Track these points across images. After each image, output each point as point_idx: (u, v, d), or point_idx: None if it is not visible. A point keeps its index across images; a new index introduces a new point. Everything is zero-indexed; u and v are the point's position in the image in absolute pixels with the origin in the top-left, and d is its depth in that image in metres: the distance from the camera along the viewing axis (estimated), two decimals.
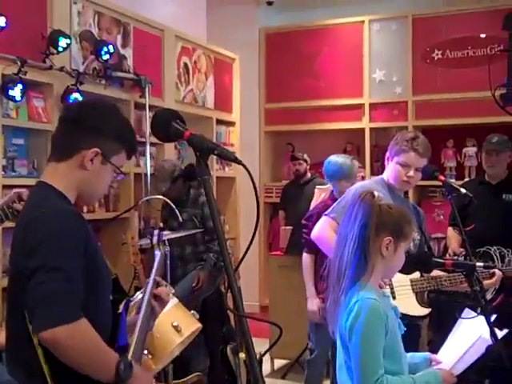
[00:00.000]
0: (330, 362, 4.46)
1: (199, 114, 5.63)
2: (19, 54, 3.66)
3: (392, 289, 2.80)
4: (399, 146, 2.94)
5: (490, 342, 2.21)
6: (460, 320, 2.33)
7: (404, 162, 2.93)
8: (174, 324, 2.50)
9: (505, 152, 4.14)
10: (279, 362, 5.19)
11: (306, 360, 4.19)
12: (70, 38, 3.93)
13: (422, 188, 6.46)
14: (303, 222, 4.03)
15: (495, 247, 3.85)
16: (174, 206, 3.78)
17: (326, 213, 3.04)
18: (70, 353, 1.59)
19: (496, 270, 2.99)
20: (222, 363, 3.94)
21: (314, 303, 3.81)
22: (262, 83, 7.36)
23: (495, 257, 3.87)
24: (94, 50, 4.26)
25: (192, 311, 2.78)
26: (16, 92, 3.58)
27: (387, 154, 3.03)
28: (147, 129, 4.63)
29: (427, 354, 2.33)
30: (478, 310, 2.33)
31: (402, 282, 2.83)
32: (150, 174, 4.63)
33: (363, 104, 6.80)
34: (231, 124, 6.25)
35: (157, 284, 1.98)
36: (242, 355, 3.89)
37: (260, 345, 3.28)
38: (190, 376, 3.71)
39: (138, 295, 2.56)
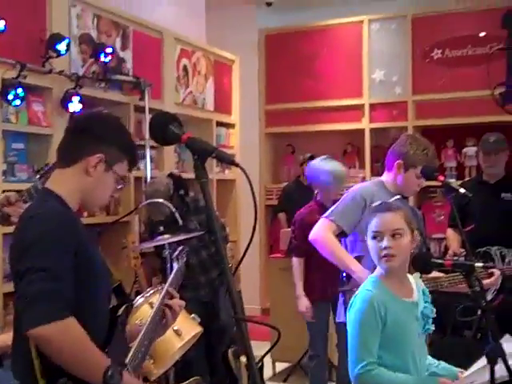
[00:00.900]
0: (333, 365, 4.49)
1: (199, 117, 5.63)
2: (18, 58, 3.67)
3: None
4: (417, 157, 2.93)
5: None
6: None
7: (420, 175, 2.96)
8: (175, 328, 2.49)
9: (503, 151, 4.13)
10: (281, 365, 5.17)
11: (309, 366, 4.19)
12: (69, 42, 3.93)
13: (422, 189, 6.44)
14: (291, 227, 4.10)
15: (496, 247, 3.84)
16: (174, 210, 3.78)
17: (325, 215, 3.01)
18: (55, 351, 1.63)
19: (495, 270, 2.98)
20: (223, 367, 3.94)
21: (302, 304, 3.96)
22: (262, 85, 7.36)
23: (496, 257, 3.87)
24: (94, 53, 4.27)
25: (193, 315, 2.78)
26: (16, 97, 3.58)
27: (399, 161, 2.97)
28: (147, 132, 4.63)
29: (458, 370, 2.33)
30: (479, 311, 2.33)
31: None
32: (152, 178, 4.62)
33: (363, 104, 6.80)
34: (231, 126, 6.25)
35: (170, 296, 2.05)
36: (243, 359, 3.88)
37: (260, 348, 3.27)
38: (190, 380, 3.71)
39: (139, 299, 2.56)
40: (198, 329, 2.59)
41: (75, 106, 3.98)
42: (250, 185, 1.52)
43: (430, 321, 2.30)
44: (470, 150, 6.30)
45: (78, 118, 2.01)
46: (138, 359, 1.86)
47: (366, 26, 6.81)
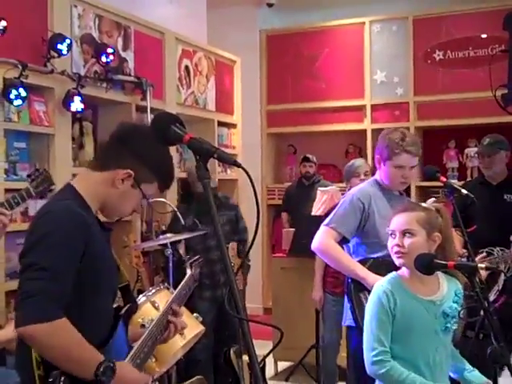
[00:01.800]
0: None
1: (200, 117, 5.64)
2: (20, 57, 3.67)
3: None
4: (390, 149, 2.90)
5: None
6: None
7: (398, 164, 2.89)
8: None
9: (497, 153, 4.11)
10: (283, 364, 5.18)
11: (320, 347, 4.37)
12: (70, 42, 3.93)
13: (424, 189, 6.47)
14: None
15: (498, 248, 3.83)
16: (176, 209, 3.77)
17: (324, 223, 2.95)
18: (44, 350, 1.66)
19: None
20: (226, 366, 3.94)
21: (316, 293, 4.21)
22: (264, 85, 7.37)
23: (499, 257, 3.86)
24: (95, 54, 4.27)
25: (195, 314, 2.77)
26: (17, 96, 3.59)
27: (377, 156, 2.99)
28: None
29: (486, 380, 2.40)
30: (481, 312, 2.33)
31: None
32: None
33: (365, 105, 6.81)
34: (233, 126, 6.25)
35: (174, 312, 2.06)
36: (246, 358, 3.88)
37: (263, 347, 3.28)
38: (193, 379, 3.71)
39: (141, 298, 2.56)
40: (200, 328, 2.58)
41: (77, 105, 3.99)
42: (253, 185, 1.52)
43: (453, 320, 2.34)
44: (472, 151, 6.29)
45: (123, 126, 1.98)
46: (141, 359, 1.87)
47: (368, 27, 6.81)
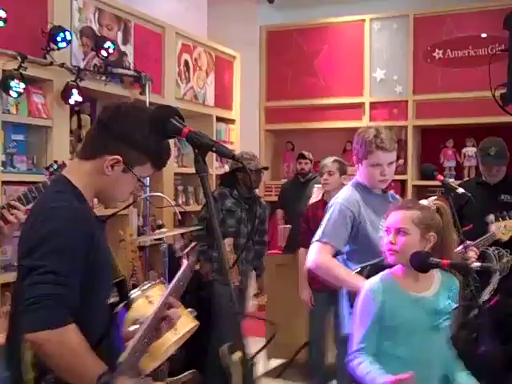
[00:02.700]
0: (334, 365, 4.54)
1: (199, 112, 5.63)
2: (19, 49, 3.66)
3: None
4: (364, 147, 2.83)
5: None
6: None
7: (374, 162, 2.82)
8: None
9: (504, 164, 4.11)
10: (275, 362, 5.18)
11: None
12: (70, 34, 3.92)
13: (421, 188, 6.47)
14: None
15: (493, 247, 3.84)
16: (172, 204, 3.77)
17: (316, 238, 2.83)
18: (50, 357, 1.60)
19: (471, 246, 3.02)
20: (218, 362, 3.94)
21: (305, 293, 4.36)
22: (263, 81, 7.36)
23: (493, 257, 3.87)
24: (95, 47, 4.26)
25: (189, 309, 2.77)
26: (16, 88, 3.58)
27: (354, 157, 2.92)
28: None
29: None
30: (474, 311, 2.34)
31: None
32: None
33: (363, 103, 6.81)
34: (231, 122, 6.25)
35: (169, 305, 1.96)
36: (238, 354, 3.88)
37: (256, 344, 3.27)
38: (185, 373, 3.71)
39: (136, 292, 2.56)
40: (194, 323, 2.57)
41: (75, 98, 3.98)
42: (250, 180, 1.53)
43: (445, 317, 2.34)
44: (470, 151, 6.31)
45: (105, 110, 1.85)
46: (136, 357, 1.82)
47: (368, 24, 6.81)
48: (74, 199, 1.73)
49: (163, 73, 5.14)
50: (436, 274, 2.41)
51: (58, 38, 3.83)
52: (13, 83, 3.55)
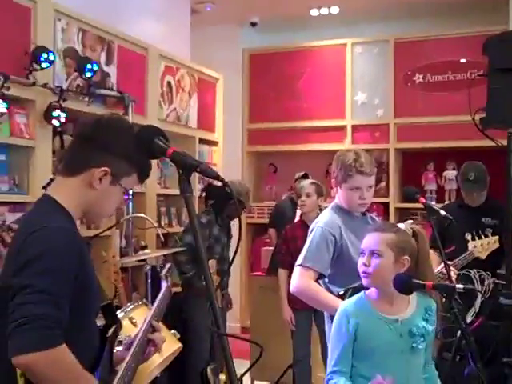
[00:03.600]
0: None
1: (182, 133, 5.63)
2: (2, 69, 3.64)
3: None
4: (344, 171, 2.82)
5: None
6: None
7: (353, 186, 2.82)
8: None
9: (484, 189, 4.17)
10: None
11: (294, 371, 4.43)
12: (53, 55, 3.92)
13: (403, 210, 6.51)
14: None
15: (475, 270, 3.87)
16: (155, 225, 3.75)
17: (298, 263, 2.84)
18: (41, 380, 1.54)
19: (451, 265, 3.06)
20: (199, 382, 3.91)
21: (286, 313, 4.43)
22: (245, 103, 7.40)
23: (475, 280, 3.89)
24: (78, 67, 4.25)
25: (173, 331, 2.75)
26: None
27: (332, 180, 2.92)
28: None
29: None
30: (458, 333, 2.34)
31: None
32: (134, 193, 4.60)
33: (345, 126, 6.86)
34: (214, 144, 6.25)
35: (153, 329, 1.94)
36: (223, 376, 3.85)
37: (240, 366, 3.25)
38: None
39: (119, 313, 2.54)
40: (178, 345, 2.56)
41: (58, 119, 3.96)
42: (234, 201, 1.53)
43: (420, 339, 2.32)
44: (450, 174, 6.37)
45: (85, 124, 1.83)
46: (125, 382, 1.79)
47: (350, 48, 6.89)
48: (64, 219, 1.70)
49: (146, 94, 5.14)
50: (411, 296, 2.39)
51: (42, 59, 3.82)
52: None
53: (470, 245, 3.49)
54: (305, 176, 5.85)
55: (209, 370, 3.85)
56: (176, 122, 5.56)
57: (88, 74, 4.23)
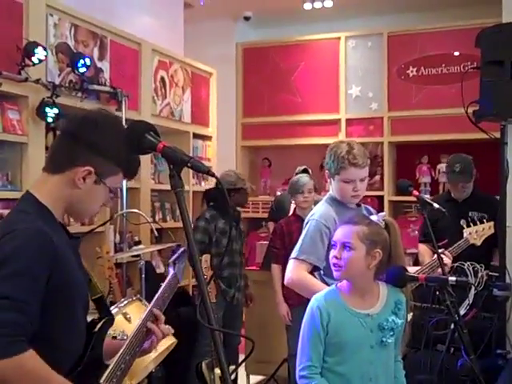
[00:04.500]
0: None
1: (176, 128, 5.63)
2: None
3: None
4: (337, 163, 2.82)
5: None
6: None
7: (347, 178, 2.81)
8: None
9: (469, 181, 4.19)
10: (255, 378, 5.15)
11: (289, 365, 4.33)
12: (46, 50, 3.90)
13: (397, 203, 6.53)
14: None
15: (468, 263, 3.88)
16: (149, 220, 3.75)
17: (293, 256, 2.81)
18: None
19: (446, 252, 3.06)
20: (197, 379, 3.91)
21: (282, 308, 4.38)
22: (239, 98, 7.39)
23: (468, 272, 3.90)
24: (71, 63, 4.24)
25: (167, 326, 2.75)
26: None
27: (326, 172, 2.92)
28: None
29: None
30: (451, 325, 2.35)
31: None
32: (128, 188, 4.59)
33: (339, 119, 6.86)
34: (208, 138, 6.24)
35: (155, 318, 1.88)
36: (218, 371, 3.85)
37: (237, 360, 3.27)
38: None
39: (113, 309, 2.53)
40: (172, 340, 2.56)
41: (51, 114, 3.95)
42: (226, 196, 1.52)
43: (390, 334, 2.31)
44: (444, 167, 6.37)
45: (71, 120, 1.78)
46: (117, 377, 1.74)
47: (343, 42, 6.88)
48: (38, 219, 1.63)
49: (139, 89, 5.13)
50: (382, 290, 2.39)
51: (33, 54, 3.81)
52: None
53: (465, 232, 3.49)
54: (305, 171, 5.84)
55: (203, 364, 3.85)
56: (170, 117, 5.56)
57: (81, 70, 4.22)
